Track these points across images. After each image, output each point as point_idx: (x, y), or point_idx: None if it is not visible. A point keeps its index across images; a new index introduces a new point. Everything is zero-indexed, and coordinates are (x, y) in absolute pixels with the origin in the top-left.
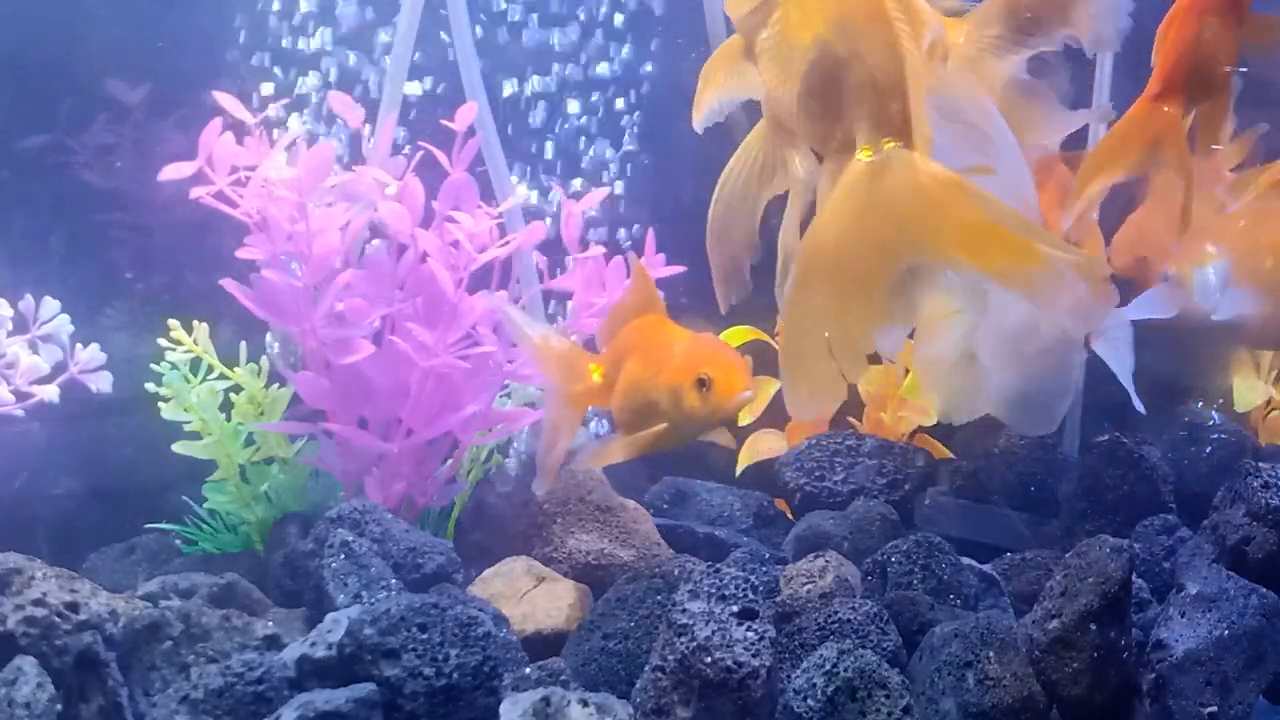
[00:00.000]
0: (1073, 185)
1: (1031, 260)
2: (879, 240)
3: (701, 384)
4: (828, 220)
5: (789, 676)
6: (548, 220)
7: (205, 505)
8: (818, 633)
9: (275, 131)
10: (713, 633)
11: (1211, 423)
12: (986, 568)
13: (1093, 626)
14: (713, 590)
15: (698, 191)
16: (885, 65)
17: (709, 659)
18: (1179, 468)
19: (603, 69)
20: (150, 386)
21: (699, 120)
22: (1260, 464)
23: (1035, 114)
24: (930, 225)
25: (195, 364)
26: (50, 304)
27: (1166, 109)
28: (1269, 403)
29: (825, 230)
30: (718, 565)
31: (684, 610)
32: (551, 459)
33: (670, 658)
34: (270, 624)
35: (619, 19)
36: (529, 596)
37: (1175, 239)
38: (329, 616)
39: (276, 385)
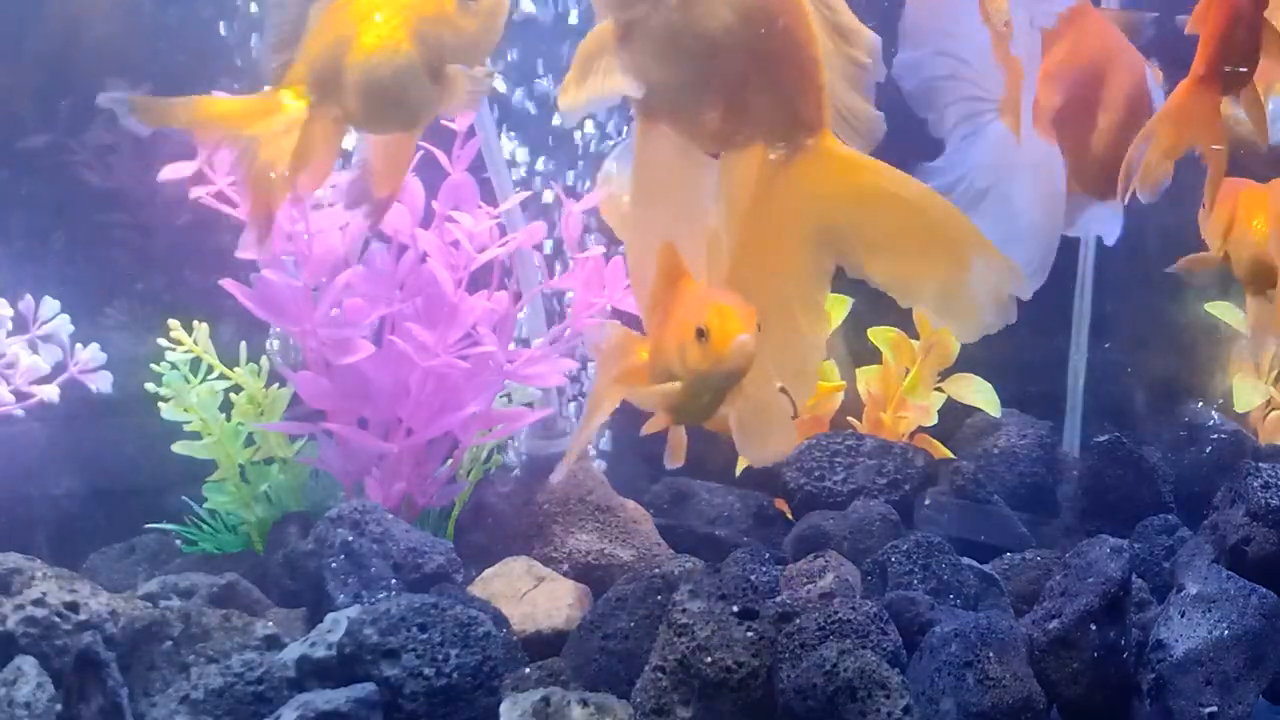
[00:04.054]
0: None
1: (950, 271)
2: (796, 243)
3: (700, 335)
4: (741, 224)
5: (789, 676)
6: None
7: (205, 505)
8: (818, 633)
9: None
10: (712, 633)
11: (1211, 423)
12: (986, 568)
13: (1093, 626)
14: (713, 590)
15: None
16: (796, 51)
17: (709, 659)
18: (1179, 468)
19: None
20: (150, 386)
21: (568, 107)
22: (1260, 464)
23: None
24: (850, 226)
25: (195, 364)
26: (50, 304)
27: (1208, 93)
28: (1269, 403)
29: (737, 236)
30: (718, 565)
31: (684, 610)
32: (581, 439)
33: (670, 658)
34: (270, 624)
35: None
36: (529, 596)
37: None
38: (329, 616)
39: (276, 385)
